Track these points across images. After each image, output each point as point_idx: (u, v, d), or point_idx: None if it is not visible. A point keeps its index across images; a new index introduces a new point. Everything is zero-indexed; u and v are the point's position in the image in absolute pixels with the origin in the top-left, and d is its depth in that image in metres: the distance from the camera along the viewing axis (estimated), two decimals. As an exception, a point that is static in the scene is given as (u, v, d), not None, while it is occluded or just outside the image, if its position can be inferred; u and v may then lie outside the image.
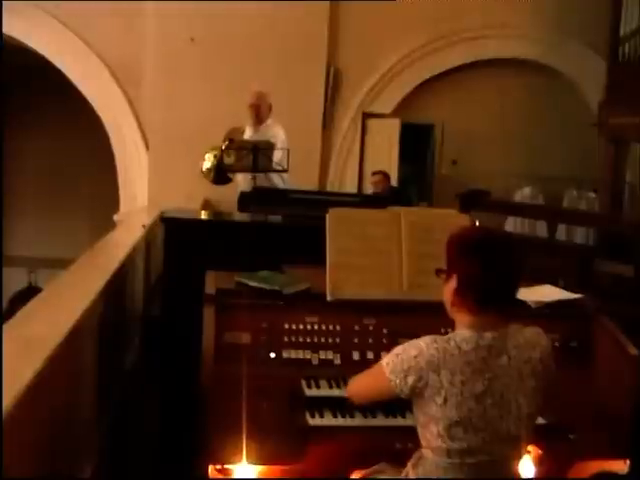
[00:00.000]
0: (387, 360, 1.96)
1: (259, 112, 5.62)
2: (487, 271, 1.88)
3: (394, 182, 7.74)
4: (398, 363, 1.92)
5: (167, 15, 7.42)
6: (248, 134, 5.62)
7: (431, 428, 1.88)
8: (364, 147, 8.12)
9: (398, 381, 1.90)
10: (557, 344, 2.57)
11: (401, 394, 1.92)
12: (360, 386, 2.15)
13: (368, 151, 8.12)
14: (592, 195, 8.37)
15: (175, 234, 3.72)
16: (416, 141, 8.65)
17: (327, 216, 2.65)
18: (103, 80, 7.62)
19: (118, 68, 7.61)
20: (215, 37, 7.43)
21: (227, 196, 6.22)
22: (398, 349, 1.96)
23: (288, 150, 5.02)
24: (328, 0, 7.60)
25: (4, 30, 7.24)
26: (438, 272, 2.00)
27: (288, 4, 7.43)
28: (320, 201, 4.34)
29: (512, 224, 8.16)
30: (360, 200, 5.05)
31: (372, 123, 8.14)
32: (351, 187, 7.95)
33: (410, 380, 1.88)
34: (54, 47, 7.57)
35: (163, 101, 7.48)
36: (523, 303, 2.66)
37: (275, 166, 5.04)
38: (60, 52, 7.58)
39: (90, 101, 7.69)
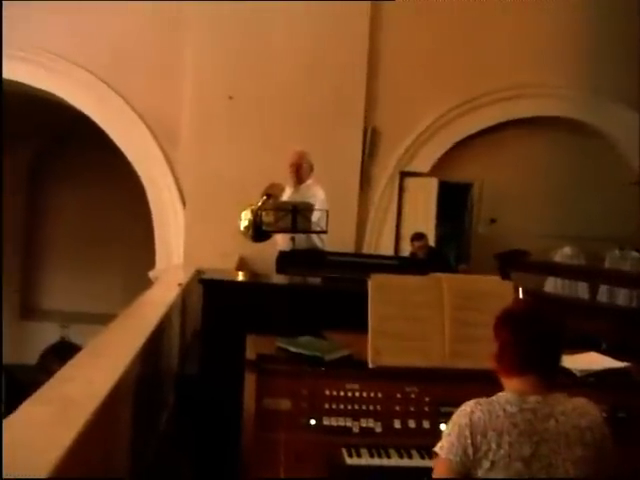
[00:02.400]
0: (440, 444, 1.98)
1: (300, 172, 5.75)
2: (525, 337, 1.97)
3: (431, 242, 7.77)
4: (451, 441, 1.94)
5: (205, 72, 7.64)
6: (288, 193, 5.73)
7: None
8: (402, 206, 8.18)
9: (459, 458, 1.92)
10: (605, 415, 2.52)
11: (469, 466, 1.91)
12: None
13: (405, 210, 8.18)
14: (636, 255, 8.27)
15: (214, 297, 3.79)
16: (454, 200, 8.68)
17: (369, 282, 2.68)
18: (141, 137, 7.83)
19: (156, 125, 7.82)
20: (253, 96, 7.62)
21: (263, 254, 6.30)
22: (445, 429, 2.00)
23: (327, 211, 5.09)
24: (365, 62, 7.80)
25: (46, 87, 7.61)
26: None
27: (326, 65, 7.64)
28: (358, 264, 4.36)
29: (552, 285, 8.08)
30: (399, 263, 5.09)
31: (410, 182, 8.22)
32: (388, 247, 7.98)
33: (470, 451, 1.91)
34: (93, 103, 7.81)
35: (200, 159, 7.66)
36: (568, 371, 2.64)
37: (314, 227, 5.11)
38: (99, 108, 7.80)
39: (127, 157, 7.89)
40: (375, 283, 2.71)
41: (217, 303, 3.80)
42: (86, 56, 7.68)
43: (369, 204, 8.05)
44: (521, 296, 2.83)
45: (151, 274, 7.68)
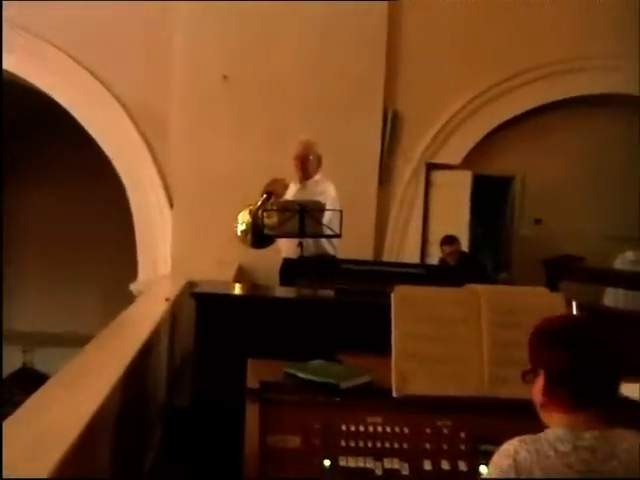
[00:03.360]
0: None
1: (306, 165, 5.75)
2: (579, 364, 1.93)
3: (464, 246, 7.76)
4: None
5: (198, 53, 7.70)
6: (292, 191, 5.74)
7: None
8: (428, 205, 8.20)
9: None
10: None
11: None
12: None
13: (433, 209, 8.19)
14: None
15: (209, 313, 3.80)
16: (491, 197, 8.70)
17: (392, 295, 2.68)
18: (122, 127, 7.88)
19: (140, 114, 7.87)
20: (253, 79, 7.68)
21: (265, 262, 6.34)
22: (485, 472, 1.99)
23: (341, 211, 5.09)
24: (384, 36, 7.83)
25: (13, 69, 7.65)
26: (525, 375, 2.03)
27: (339, 40, 7.68)
28: (379, 273, 4.39)
29: (612, 297, 8.03)
30: (426, 272, 5.08)
31: (438, 176, 8.23)
32: (412, 253, 8.02)
33: None
34: (67, 89, 7.87)
35: (191, 152, 7.72)
36: (629, 401, 2.64)
37: (325, 230, 5.11)
38: (74, 95, 7.87)
39: (106, 151, 7.93)
40: (399, 296, 2.70)
41: (212, 321, 3.81)
42: (60, 35, 7.73)
43: (390, 202, 8.08)
44: (575, 311, 2.81)
45: (133, 287, 7.72)
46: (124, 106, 7.86)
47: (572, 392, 1.94)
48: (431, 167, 8.22)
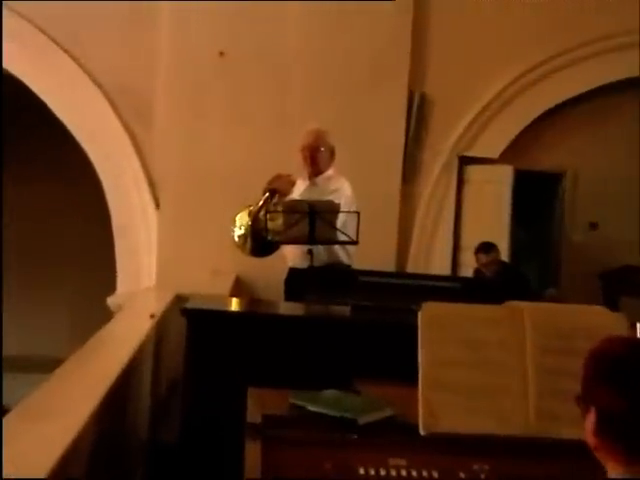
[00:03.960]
0: None
1: (316, 159, 5.72)
2: (632, 409, 1.86)
3: (504, 255, 7.75)
4: None
5: (189, 26, 7.70)
6: (300, 189, 5.72)
7: None
8: (461, 206, 8.20)
9: None
10: None
11: None
12: None
13: (467, 211, 8.19)
14: None
15: (201, 333, 3.82)
16: (536, 196, 8.69)
17: (419, 314, 2.68)
18: (99, 113, 7.88)
19: (121, 98, 7.87)
20: (254, 56, 7.67)
21: (267, 273, 6.36)
22: None
23: (357, 213, 5.09)
24: (410, 8, 7.81)
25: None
26: (578, 401, 2.00)
27: (354, 7, 7.65)
28: (402, 287, 4.39)
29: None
30: (460, 286, 5.07)
31: (473, 172, 8.24)
32: (442, 264, 8.01)
33: None
34: (34, 67, 7.87)
35: (180, 141, 7.73)
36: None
37: (339, 235, 5.12)
38: (43, 75, 7.88)
39: (80, 141, 7.94)
40: (427, 315, 2.70)
41: (205, 342, 3.82)
42: (27, 6, 7.71)
43: (416, 203, 8.08)
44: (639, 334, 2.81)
45: (111, 301, 7.74)
46: (100, 87, 7.86)
47: (624, 441, 1.88)
48: (465, 161, 8.21)
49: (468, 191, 8.27)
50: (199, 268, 7.20)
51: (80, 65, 7.86)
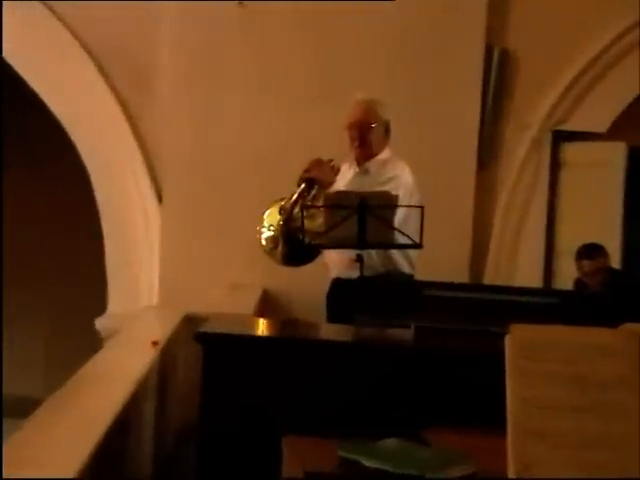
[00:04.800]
0: None
1: (367, 138, 5.71)
2: None
3: (615, 261, 7.67)
4: None
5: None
6: (347, 177, 5.75)
7: None
8: (556, 196, 8.17)
9: None
10: None
11: None
12: None
13: (564, 203, 8.13)
14: None
15: (221, 364, 3.87)
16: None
17: (506, 339, 2.67)
18: (88, 83, 7.96)
19: (112, 59, 7.93)
20: (285, 5, 7.65)
21: (305, 285, 6.45)
22: None
23: (421, 208, 5.08)
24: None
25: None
26: None
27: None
28: (480, 303, 4.37)
29: None
30: (557, 301, 5.04)
31: (572, 151, 8.20)
32: (531, 272, 7.97)
33: None
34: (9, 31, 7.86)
35: (189, 117, 7.79)
36: None
37: (397, 237, 5.11)
38: (19, 42, 7.88)
39: (60, 119, 8.00)
40: (518, 340, 2.68)
41: (227, 376, 3.87)
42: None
43: (496, 192, 8.07)
44: None
45: (100, 324, 7.81)
46: (90, 52, 7.92)
47: None
48: (560, 137, 8.17)
49: (565, 177, 8.21)
50: (215, 280, 7.26)
51: (59, 19, 7.93)
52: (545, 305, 4.85)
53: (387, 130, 5.78)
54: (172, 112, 7.79)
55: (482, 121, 7.88)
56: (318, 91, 7.51)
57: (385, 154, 5.77)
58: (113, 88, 7.94)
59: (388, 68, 7.50)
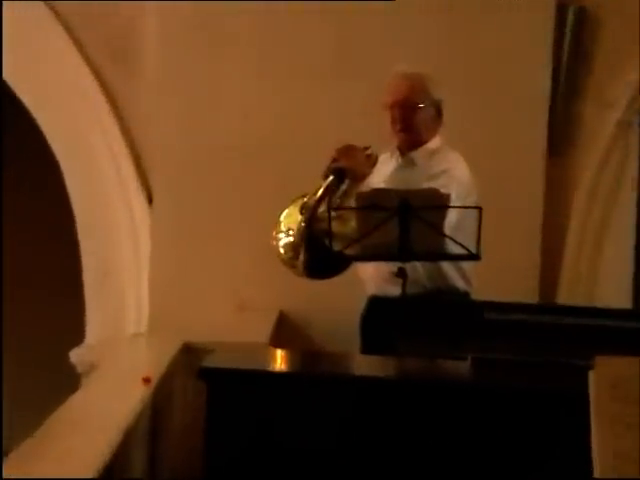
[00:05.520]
0: None
1: (413, 121, 5.74)
2: None
3: None
4: None
5: None
6: (385, 171, 5.77)
7: None
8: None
9: None
10: None
11: None
12: None
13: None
14: None
15: (229, 405, 3.89)
16: None
17: (590, 375, 2.66)
18: (63, 61, 7.99)
19: (90, 33, 7.96)
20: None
21: (333, 305, 6.49)
22: None
23: (479, 209, 5.06)
24: None
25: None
26: None
27: None
28: (556, 329, 4.36)
29: None
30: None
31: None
32: (619, 289, 7.94)
33: None
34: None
35: (184, 99, 7.80)
36: None
37: (449, 246, 5.11)
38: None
39: (28, 106, 8.04)
40: (605, 377, 2.69)
41: (235, 421, 3.89)
42: None
43: (572, 187, 8.06)
44: None
45: (76, 356, 7.84)
46: (65, 24, 7.96)
47: None
48: (652, 122, 8.16)
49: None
50: (219, 300, 7.31)
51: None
52: (636, 330, 4.83)
53: (439, 112, 5.80)
54: (162, 93, 7.83)
55: (554, 99, 7.86)
56: (343, 64, 7.49)
57: (435, 142, 5.79)
58: (93, 67, 7.95)
59: (434, 31, 7.50)
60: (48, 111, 8.03)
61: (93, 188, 8.07)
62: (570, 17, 7.85)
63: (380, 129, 5.80)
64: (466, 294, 5.63)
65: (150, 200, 7.92)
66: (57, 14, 7.90)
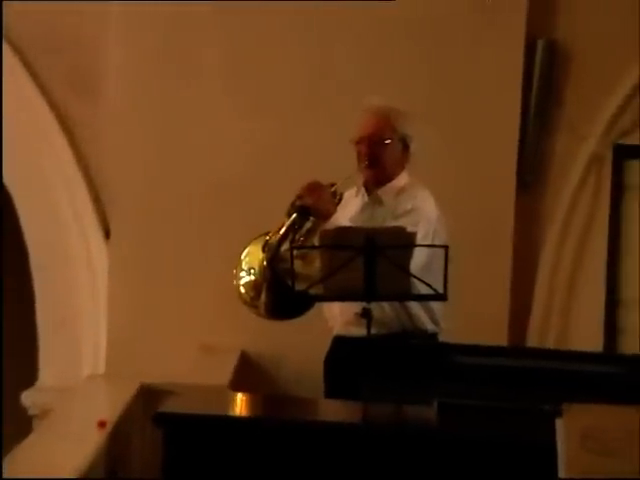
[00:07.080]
0: None
1: (380, 157, 5.75)
2: None
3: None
4: None
5: None
6: (351, 209, 5.77)
7: None
8: (620, 228, 8.16)
9: None
10: None
11: None
12: None
13: (631, 237, 8.14)
14: None
15: (187, 453, 3.86)
16: None
17: (558, 423, 2.66)
18: (15, 82, 7.95)
19: (42, 50, 7.94)
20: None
21: (297, 346, 6.48)
22: None
23: (446, 248, 5.07)
24: None
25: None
26: None
27: None
28: (524, 373, 4.41)
29: None
30: (624, 371, 5.02)
31: (639, 170, 8.22)
32: (589, 330, 7.97)
33: None
34: None
35: (146, 128, 7.82)
36: None
37: (416, 286, 5.09)
38: None
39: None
40: (575, 425, 2.69)
41: (194, 469, 3.88)
42: None
43: (542, 223, 8.11)
44: None
45: (28, 398, 7.81)
46: (22, 53, 7.97)
47: None
48: (625, 153, 8.20)
49: (631, 203, 8.25)
50: (178, 341, 7.31)
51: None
52: (608, 375, 4.83)
53: (406, 148, 5.79)
54: (122, 121, 7.84)
55: (523, 132, 7.93)
56: (314, 96, 7.56)
57: (402, 179, 5.79)
58: (43, 89, 7.97)
59: (405, 65, 7.56)
60: (2, 142, 8.00)
61: (47, 221, 8.03)
62: (539, 50, 7.92)
63: (348, 164, 5.78)
64: (434, 336, 5.62)
65: (108, 235, 7.90)
66: (11, 42, 7.92)
